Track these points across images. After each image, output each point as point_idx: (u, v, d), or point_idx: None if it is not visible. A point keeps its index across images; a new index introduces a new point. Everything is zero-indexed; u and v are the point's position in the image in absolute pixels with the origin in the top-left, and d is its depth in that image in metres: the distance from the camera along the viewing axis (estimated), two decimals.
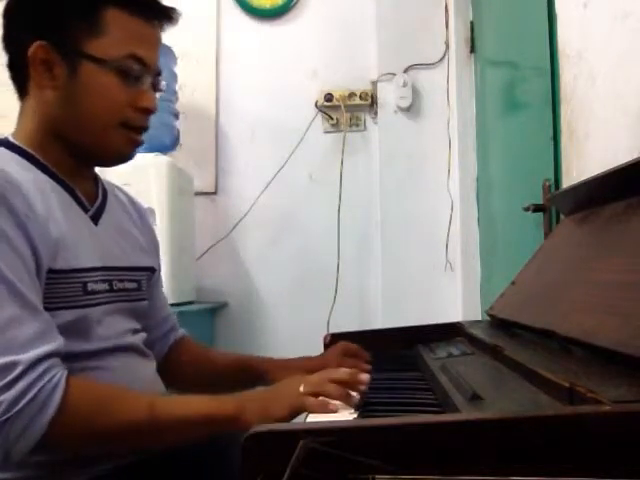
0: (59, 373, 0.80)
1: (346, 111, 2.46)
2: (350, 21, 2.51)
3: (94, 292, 0.94)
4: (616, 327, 0.62)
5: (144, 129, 0.99)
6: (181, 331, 1.22)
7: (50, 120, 0.95)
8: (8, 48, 0.97)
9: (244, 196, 2.51)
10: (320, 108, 2.50)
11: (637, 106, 1.02)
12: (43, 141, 0.95)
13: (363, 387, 0.88)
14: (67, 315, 0.89)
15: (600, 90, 1.17)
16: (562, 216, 1.22)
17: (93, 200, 1.01)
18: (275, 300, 2.50)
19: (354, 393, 0.85)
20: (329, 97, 2.47)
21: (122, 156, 1.00)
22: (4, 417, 0.75)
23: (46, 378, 0.78)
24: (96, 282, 0.94)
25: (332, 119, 2.49)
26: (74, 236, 0.91)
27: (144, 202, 1.22)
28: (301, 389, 0.86)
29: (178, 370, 1.18)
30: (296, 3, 2.54)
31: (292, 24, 2.55)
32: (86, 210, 0.98)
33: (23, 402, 0.76)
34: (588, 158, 1.23)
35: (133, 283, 1.04)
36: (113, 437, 0.84)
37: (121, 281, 1.01)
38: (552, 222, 1.47)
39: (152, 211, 1.06)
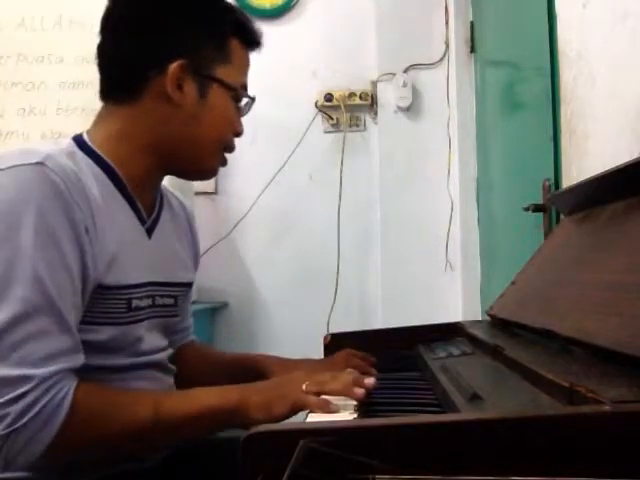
0: (66, 387, 0.79)
1: (346, 111, 2.46)
2: (350, 21, 2.51)
3: (137, 309, 0.93)
4: (616, 327, 0.62)
5: (232, 151, 1.05)
6: (190, 337, 1.20)
7: (154, 133, 0.94)
8: (132, 59, 0.94)
9: (244, 196, 2.51)
10: (320, 108, 2.50)
11: (637, 106, 1.02)
12: (127, 150, 0.94)
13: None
14: (109, 331, 0.88)
15: (600, 90, 1.17)
16: (562, 216, 1.22)
17: (151, 211, 1.00)
18: (275, 300, 2.50)
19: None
20: (329, 97, 2.47)
21: (212, 174, 1.05)
22: (9, 429, 0.75)
23: (52, 392, 0.77)
24: (141, 298, 0.94)
25: (332, 119, 2.49)
26: (128, 251, 0.91)
27: None
28: (304, 387, 0.86)
29: (181, 372, 1.18)
30: (296, 3, 2.54)
31: (292, 24, 2.55)
32: (143, 222, 0.97)
33: (28, 416, 0.76)
34: (588, 158, 1.23)
35: (171, 299, 1.03)
36: (118, 443, 0.84)
37: (162, 297, 1.00)
38: (552, 222, 1.47)
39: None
